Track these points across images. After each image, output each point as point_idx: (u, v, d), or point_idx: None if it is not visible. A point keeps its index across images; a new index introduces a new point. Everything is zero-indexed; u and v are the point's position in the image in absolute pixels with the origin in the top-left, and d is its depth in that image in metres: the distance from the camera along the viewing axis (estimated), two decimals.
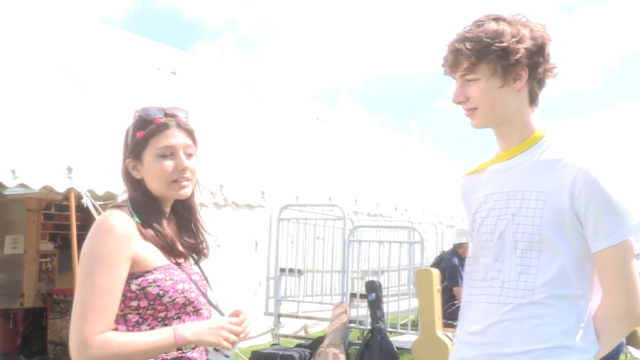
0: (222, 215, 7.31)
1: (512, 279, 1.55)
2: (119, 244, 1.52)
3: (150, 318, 1.56)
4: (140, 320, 1.56)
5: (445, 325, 5.60)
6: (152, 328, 1.55)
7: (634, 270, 1.52)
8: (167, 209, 1.71)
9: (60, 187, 5.30)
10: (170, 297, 1.56)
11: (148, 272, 1.56)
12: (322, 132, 13.27)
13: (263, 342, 7.42)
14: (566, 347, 1.50)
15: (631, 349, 6.15)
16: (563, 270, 1.52)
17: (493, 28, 1.54)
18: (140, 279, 1.55)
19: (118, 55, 9.11)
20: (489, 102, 1.56)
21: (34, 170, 5.20)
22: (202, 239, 1.77)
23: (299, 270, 6.60)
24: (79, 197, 5.29)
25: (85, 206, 5.22)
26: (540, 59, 1.56)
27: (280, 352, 5.55)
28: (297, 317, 6.67)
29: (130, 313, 1.55)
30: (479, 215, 1.67)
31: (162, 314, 1.57)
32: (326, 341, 5.64)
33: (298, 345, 5.96)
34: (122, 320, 1.55)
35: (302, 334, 8.01)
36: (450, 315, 5.96)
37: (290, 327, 7.75)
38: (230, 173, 7.93)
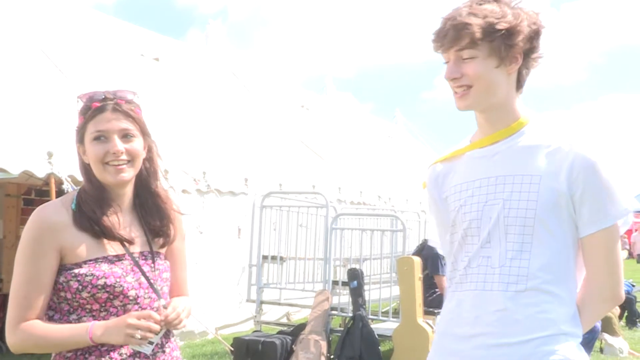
0: (205, 202, 7.28)
1: (504, 264, 1.52)
2: (43, 236, 1.58)
3: (79, 309, 1.60)
4: (71, 309, 1.61)
5: (426, 313, 5.66)
6: (80, 318, 1.60)
7: (619, 253, 1.55)
8: (120, 195, 1.71)
9: (41, 172, 5.24)
10: (89, 292, 1.58)
11: (77, 264, 1.60)
12: (306, 120, 13.25)
13: (245, 329, 7.45)
14: (564, 334, 1.50)
15: (606, 335, 6.27)
16: (557, 254, 1.51)
17: (496, 8, 1.53)
18: (66, 272, 1.60)
19: (101, 41, 8.99)
20: (484, 81, 1.54)
21: (13, 155, 5.14)
22: (165, 222, 1.77)
23: (281, 258, 6.61)
24: (59, 183, 5.24)
25: (65, 192, 5.17)
26: (536, 45, 1.57)
27: (262, 339, 5.56)
28: (279, 304, 6.68)
29: (62, 302, 1.61)
30: (457, 203, 1.64)
31: (89, 306, 1.60)
32: (308, 328, 5.66)
33: (280, 332, 5.98)
34: (58, 308, 1.62)
35: (284, 321, 8.04)
36: (431, 303, 6.03)
37: (272, 314, 7.78)
38: (214, 160, 7.90)
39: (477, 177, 1.61)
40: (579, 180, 1.49)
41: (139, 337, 1.56)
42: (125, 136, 1.65)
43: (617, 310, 6.72)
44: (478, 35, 1.51)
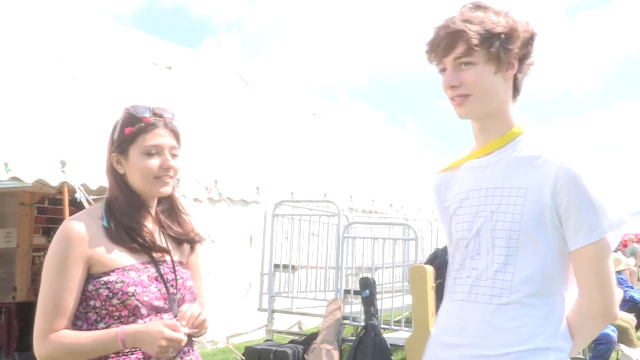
0: (217, 210, 7.30)
1: (489, 277, 1.53)
2: (71, 248, 1.61)
3: (107, 317, 1.61)
4: (98, 318, 1.62)
5: None
6: (109, 326, 1.61)
7: (610, 268, 1.51)
8: (152, 205, 1.76)
9: (54, 181, 5.28)
10: (119, 299, 1.60)
11: (105, 273, 1.62)
12: (318, 128, 13.26)
13: (256, 337, 7.42)
14: (544, 349, 1.48)
15: (623, 346, 6.17)
16: (541, 268, 1.49)
17: (490, 15, 1.52)
18: (95, 280, 1.62)
19: (114, 49, 9.07)
20: (483, 88, 1.53)
21: (27, 164, 5.18)
22: (191, 227, 1.82)
23: (293, 266, 6.59)
24: (72, 191, 5.27)
25: (78, 200, 5.20)
26: (530, 50, 1.57)
27: (274, 348, 5.54)
28: (291, 313, 6.65)
29: (90, 312, 1.62)
30: (452, 213, 1.65)
31: (117, 313, 1.61)
32: (320, 337, 5.63)
33: (291, 342, 5.95)
34: (84, 318, 1.63)
35: (295, 329, 8.01)
36: None
37: (283, 323, 7.75)
38: (225, 168, 7.92)
39: (469, 189, 1.62)
40: (563, 193, 1.46)
41: (172, 353, 1.58)
42: (172, 154, 1.72)
43: (634, 321, 6.60)
44: (475, 41, 1.49)
